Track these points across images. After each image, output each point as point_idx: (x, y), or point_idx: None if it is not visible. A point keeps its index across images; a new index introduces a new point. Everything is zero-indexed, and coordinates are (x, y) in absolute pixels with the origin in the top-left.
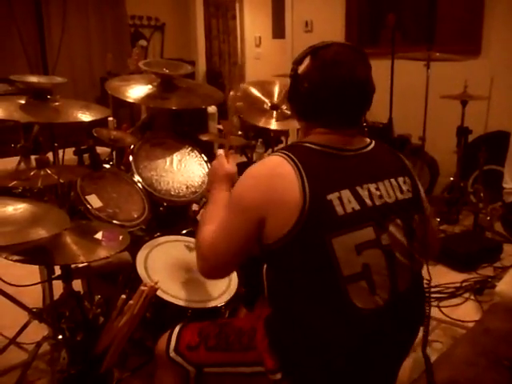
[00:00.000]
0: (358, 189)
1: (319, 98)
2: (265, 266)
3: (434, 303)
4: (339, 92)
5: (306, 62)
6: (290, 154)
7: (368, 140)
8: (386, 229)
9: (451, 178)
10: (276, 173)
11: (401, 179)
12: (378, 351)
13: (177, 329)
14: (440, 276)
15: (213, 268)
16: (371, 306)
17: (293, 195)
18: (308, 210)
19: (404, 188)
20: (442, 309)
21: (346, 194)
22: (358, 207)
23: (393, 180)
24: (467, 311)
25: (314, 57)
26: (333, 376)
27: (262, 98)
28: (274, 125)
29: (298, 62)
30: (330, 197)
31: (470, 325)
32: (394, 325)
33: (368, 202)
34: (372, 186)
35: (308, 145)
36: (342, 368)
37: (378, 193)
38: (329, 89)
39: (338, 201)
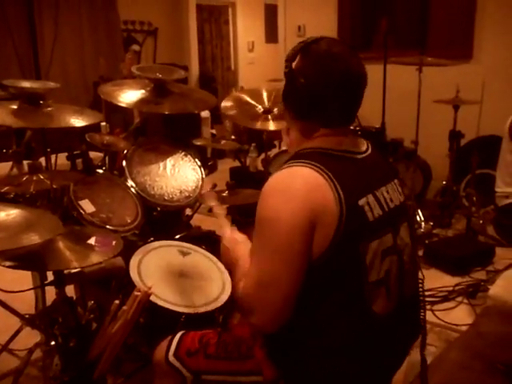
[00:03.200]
0: (377, 193)
1: (317, 92)
2: None
3: (428, 307)
4: (337, 84)
5: (299, 57)
6: (314, 163)
7: (363, 140)
8: (398, 233)
9: (444, 182)
10: (310, 185)
11: (396, 181)
12: (384, 356)
13: (178, 334)
14: (433, 280)
15: (271, 312)
16: (385, 311)
17: (330, 206)
18: (345, 218)
19: (400, 190)
20: (436, 312)
21: (371, 198)
22: (380, 212)
23: (392, 183)
24: (460, 315)
25: (306, 52)
26: (338, 380)
27: (254, 103)
28: (271, 126)
29: (290, 58)
30: (361, 202)
31: (464, 328)
32: (399, 330)
33: (385, 206)
34: (384, 190)
35: (325, 151)
36: (350, 372)
37: (389, 196)
38: (326, 82)
39: (367, 206)
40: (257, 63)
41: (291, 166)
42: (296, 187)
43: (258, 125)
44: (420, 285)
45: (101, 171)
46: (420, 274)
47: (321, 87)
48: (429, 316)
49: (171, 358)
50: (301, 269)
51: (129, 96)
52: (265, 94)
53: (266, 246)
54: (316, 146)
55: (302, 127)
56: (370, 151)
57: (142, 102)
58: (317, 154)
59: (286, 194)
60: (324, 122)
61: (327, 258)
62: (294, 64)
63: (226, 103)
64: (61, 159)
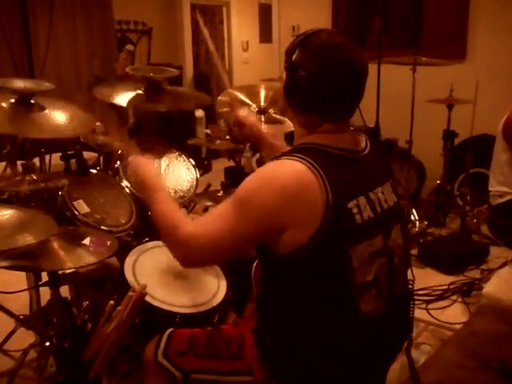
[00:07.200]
0: (371, 194)
1: (318, 83)
2: (256, 270)
3: (422, 306)
4: (337, 75)
5: (299, 50)
6: (310, 160)
7: (362, 136)
8: (390, 235)
9: (438, 181)
10: (302, 184)
11: (391, 181)
12: (374, 356)
13: (166, 333)
14: (428, 279)
15: (199, 258)
16: (375, 312)
17: (316, 206)
18: (329, 220)
19: (394, 190)
20: (430, 311)
21: (362, 201)
22: (372, 214)
23: (388, 183)
24: (455, 313)
25: (306, 44)
26: (328, 382)
27: (249, 102)
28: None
29: (290, 51)
30: (350, 205)
31: (458, 327)
32: (390, 329)
33: (378, 208)
34: (379, 191)
35: (324, 148)
36: (341, 373)
37: (384, 197)
38: (327, 73)
39: (356, 209)
40: (251, 63)
41: (286, 158)
42: (287, 183)
43: None
44: (410, 286)
45: (95, 171)
46: (410, 274)
47: (321, 78)
48: (423, 315)
49: (160, 357)
50: (246, 247)
51: (123, 96)
52: (262, 93)
53: (229, 216)
54: (315, 142)
55: (303, 121)
56: (368, 149)
57: (136, 100)
58: (314, 151)
59: (267, 185)
60: (325, 115)
61: (305, 255)
62: (294, 57)
63: (222, 97)
64: (55, 159)
